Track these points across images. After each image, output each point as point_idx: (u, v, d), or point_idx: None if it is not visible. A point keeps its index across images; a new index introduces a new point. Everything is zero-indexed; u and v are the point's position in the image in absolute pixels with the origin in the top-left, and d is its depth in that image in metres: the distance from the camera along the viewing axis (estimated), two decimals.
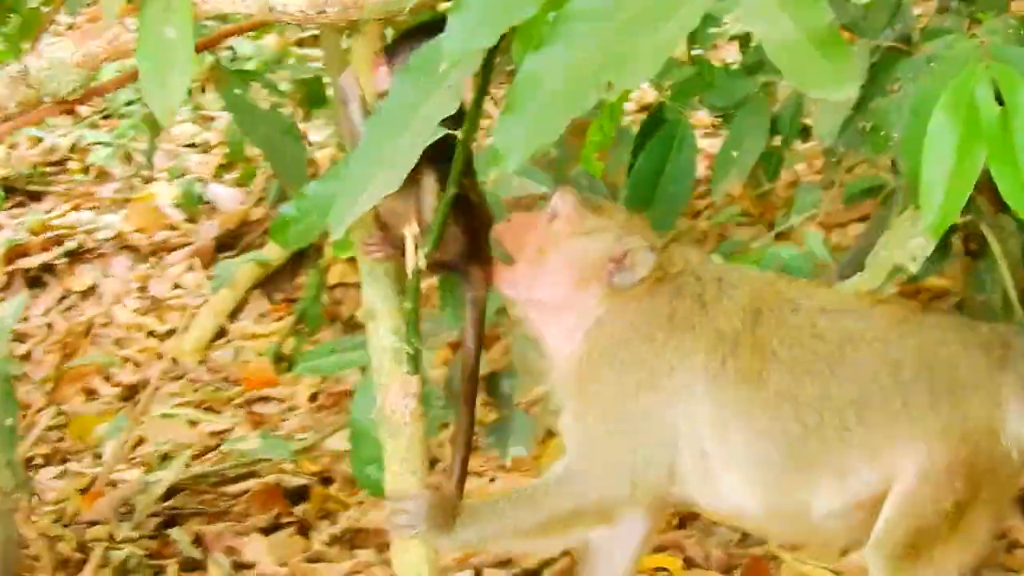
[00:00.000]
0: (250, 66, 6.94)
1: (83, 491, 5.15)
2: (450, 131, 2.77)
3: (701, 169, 5.06)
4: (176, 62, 2.88)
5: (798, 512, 3.22)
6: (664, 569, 4.11)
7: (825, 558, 3.81)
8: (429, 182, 3.04)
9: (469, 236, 3.16)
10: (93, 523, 4.89)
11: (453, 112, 2.68)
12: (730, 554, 4.17)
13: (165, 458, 5.19)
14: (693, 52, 3.79)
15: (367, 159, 2.72)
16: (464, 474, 3.25)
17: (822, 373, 3.14)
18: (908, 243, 3.36)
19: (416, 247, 3.05)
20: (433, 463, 3.36)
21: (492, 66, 2.82)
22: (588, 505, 3.22)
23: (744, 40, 4.81)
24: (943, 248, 3.69)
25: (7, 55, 6.22)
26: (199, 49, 3.08)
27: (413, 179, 2.94)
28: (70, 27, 3.77)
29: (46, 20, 3.48)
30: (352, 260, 5.14)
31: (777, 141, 3.94)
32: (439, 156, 2.91)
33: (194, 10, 2.90)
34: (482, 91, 2.98)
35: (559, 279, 3.23)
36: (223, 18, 3.29)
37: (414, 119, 2.69)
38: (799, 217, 3.55)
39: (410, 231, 3.06)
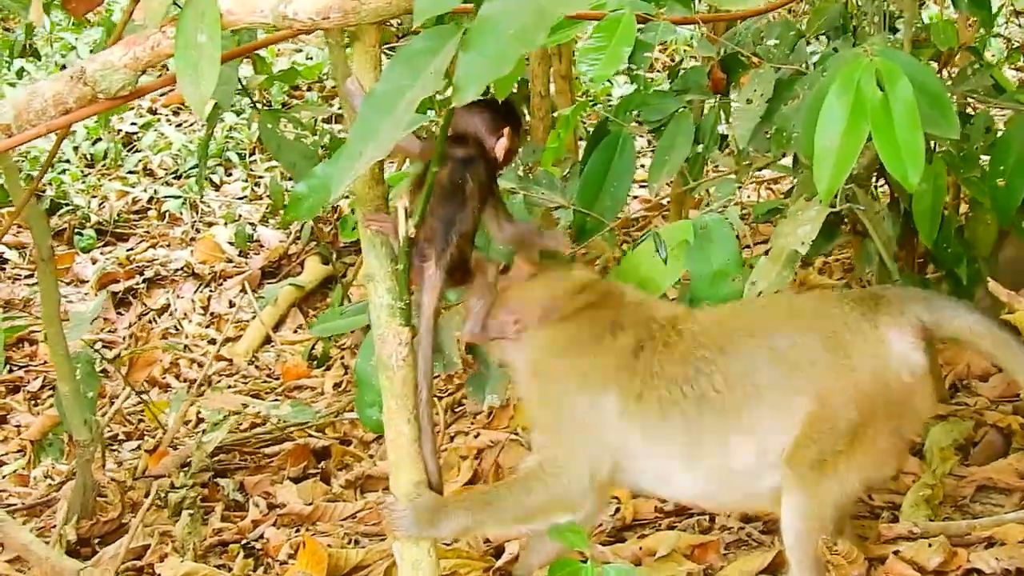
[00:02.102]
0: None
1: (151, 452, 4.94)
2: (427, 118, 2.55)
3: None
4: (206, 62, 2.68)
5: (726, 479, 3.05)
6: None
7: None
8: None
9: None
10: (159, 476, 4.68)
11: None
12: None
13: (216, 425, 4.96)
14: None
15: (361, 134, 2.47)
16: (438, 467, 3.02)
17: (715, 362, 3.00)
18: (798, 230, 3.14)
19: (407, 217, 2.85)
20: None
21: None
22: (554, 497, 3.02)
23: (673, 69, 4.68)
24: (830, 232, 3.54)
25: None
26: (228, 59, 2.87)
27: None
28: None
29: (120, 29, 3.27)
30: None
31: (700, 148, 3.73)
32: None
33: (220, 21, 2.69)
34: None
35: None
36: None
37: (400, 101, 2.44)
38: (718, 204, 3.32)
39: (400, 204, 2.86)
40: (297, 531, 4.14)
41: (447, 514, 2.97)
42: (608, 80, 5.72)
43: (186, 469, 4.55)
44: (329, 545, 3.85)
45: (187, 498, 4.20)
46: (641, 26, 3.50)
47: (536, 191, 3.46)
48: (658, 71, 8.34)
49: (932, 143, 3.50)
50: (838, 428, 2.92)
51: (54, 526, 4.28)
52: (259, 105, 4.87)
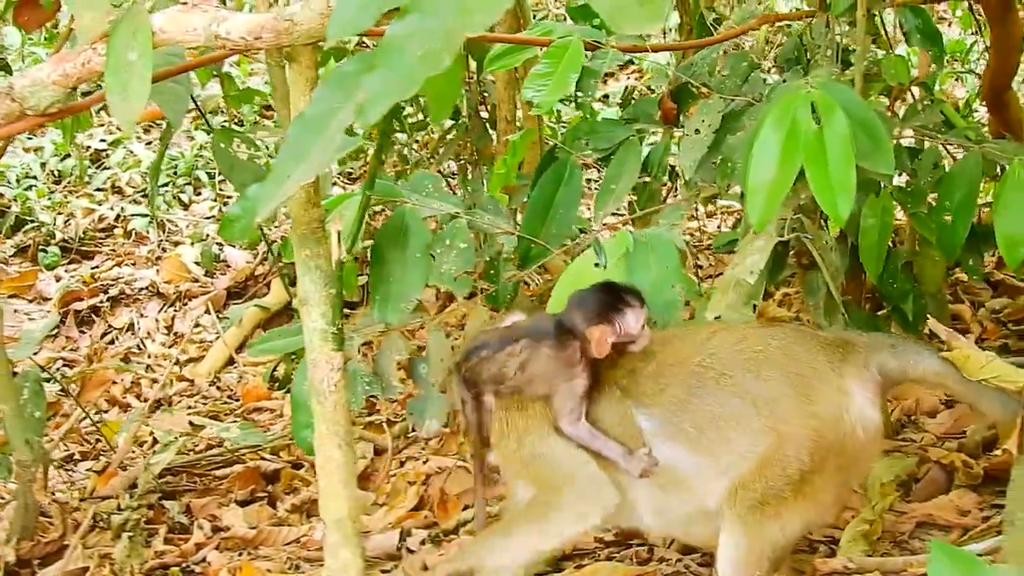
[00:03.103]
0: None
1: (99, 472, 4.87)
2: (360, 138, 2.52)
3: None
4: (137, 80, 2.65)
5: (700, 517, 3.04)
6: None
7: None
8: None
9: None
10: (106, 497, 4.61)
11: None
12: None
13: (165, 446, 4.91)
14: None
15: (289, 156, 2.44)
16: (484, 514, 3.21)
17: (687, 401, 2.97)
18: (747, 260, 3.12)
19: (339, 242, 2.83)
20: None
21: None
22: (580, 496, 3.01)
23: (625, 99, 4.67)
24: (779, 263, 3.52)
25: None
26: (159, 78, 2.85)
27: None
28: None
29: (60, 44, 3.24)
30: None
31: (648, 178, 3.72)
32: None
33: (152, 39, 2.66)
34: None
35: None
36: None
37: (331, 123, 2.41)
38: (668, 222, 3.31)
39: (333, 227, 2.83)
40: (240, 555, 4.09)
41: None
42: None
43: (133, 491, 4.51)
44: (269, 570, 3.81)
45: (130, 520, 4.14)
46: (589, 53, 3.50)
47: (480, 216, 3.43)
48: (634, 99, 8.36)
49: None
50: (787, 473, 2.88)
51: None
52: (228, 124, 4.84)
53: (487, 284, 3.50)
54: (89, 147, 8.59)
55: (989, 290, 5.26)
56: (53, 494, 4.51)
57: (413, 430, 4.87)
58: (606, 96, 8.48)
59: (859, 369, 2.93)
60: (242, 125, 8.07)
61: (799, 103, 2.76)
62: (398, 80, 1.92)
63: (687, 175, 3.48)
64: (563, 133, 3.70)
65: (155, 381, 6.35)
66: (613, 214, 3.56)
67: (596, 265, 3.18)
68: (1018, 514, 2.86)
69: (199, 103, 4.60)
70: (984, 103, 5.23)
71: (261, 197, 2.50)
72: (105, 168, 8.44)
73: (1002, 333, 4.86)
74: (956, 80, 8.23)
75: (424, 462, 4.50)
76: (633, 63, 8.55)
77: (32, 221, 7.80)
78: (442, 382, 3.37)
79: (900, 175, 3.61)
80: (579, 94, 3.49)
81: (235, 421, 5.64)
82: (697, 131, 3.47)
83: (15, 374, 4.18)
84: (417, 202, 3.30)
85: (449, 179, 6.64)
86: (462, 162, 6.12)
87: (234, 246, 7.55)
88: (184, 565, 4.05)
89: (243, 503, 4.58)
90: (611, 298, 2.95)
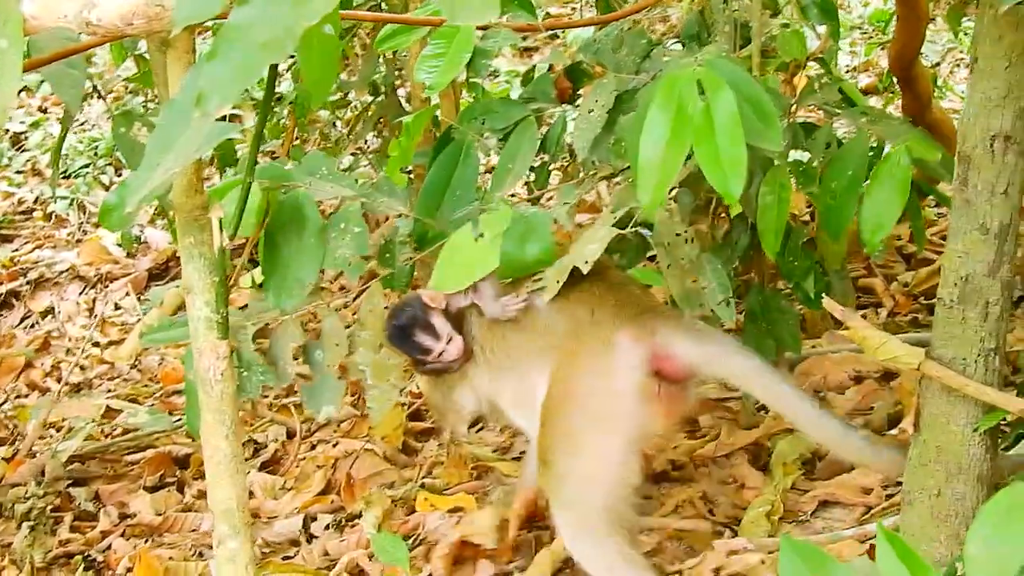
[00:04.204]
0: None
1: (8, 460, 4.81)
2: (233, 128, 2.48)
3: None
4: (8, 68, 2.56)
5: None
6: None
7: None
8: None
9: None
10: (15, 485, 4.55)
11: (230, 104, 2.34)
12: None
13: (72, 432, 4.86)
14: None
15: (158, 144, 2.38)
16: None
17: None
18: (584, 248, 3.09)
19: (221, 228, 2.78)
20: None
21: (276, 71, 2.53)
22: None
23: (526, 77, 4.65)
24: (639, 252, 3.59)
25: None
26: (30, 67, 2.79)
27: None
28: None
29: None
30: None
31: (546, 157, 3.69)
32: None
33: (24, 25, 2.60)
34: (271, 87, 2.72)
35: None
36: None
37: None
38: (560, 209, 3.26)
39: (214, 214, 2.78)
40: (146, 542, 4.05)
41: None
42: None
43: (42, 478, 4.46)
44: (171, 558, 3.77)
45: (34, 508, 4.10)
46: (480, 33, 3.46)
47: (376, 199, 3.39)
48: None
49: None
50: (560, 420, 3.05)
51: None
52: (145, 105, 4.77)
53: (383, 267, 3.45)
54: (8, 130, 8.48)
55: (903, 263, 5.27)
56: None
57: None
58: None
59: (638, 331, 3.04)
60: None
61: (685, 81, 2.72)
62: (237, 69, 1.87)
63: (580, 155, 3.44)
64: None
65: (76, 365, 6.30)
66: (511, 195, 3.50)
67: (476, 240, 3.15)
68: (915, 492, 2.87)
69: (99, 86, 4.52)
70: (893, 76, 5.22)
71: (130, 187, 2.45)
72: (24, 150, 8.33)
73: (913, 307, 4.87)
74: (881, 50, 8.24)
75: (334, 445, 4.47)
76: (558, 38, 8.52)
77: None
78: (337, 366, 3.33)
79: (798, 154, 3.58)
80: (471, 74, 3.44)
81: (153, 404, 5.59)
82: (591, 111, 3.43)
83: None
84: (310, 185, 3.24)
85: (370, 156, 6.61)
86: (385, 138, 6.08)
87: (154, 227, 7.49)
88: (88, 554, 4.00)
89: (152, 489, 4.54)
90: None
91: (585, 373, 3.06)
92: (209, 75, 1.89)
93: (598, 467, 3.06)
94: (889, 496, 3.53)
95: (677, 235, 3.20)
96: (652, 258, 3.71)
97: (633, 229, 3.11)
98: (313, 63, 2.58)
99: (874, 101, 7.22)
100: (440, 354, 3.27)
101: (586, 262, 3.03)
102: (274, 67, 2.60)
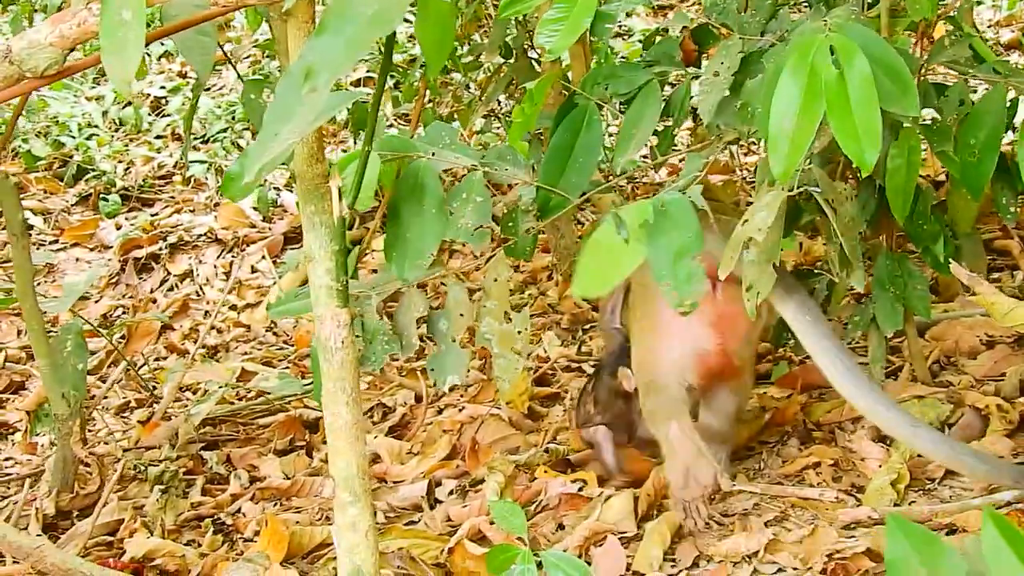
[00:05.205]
0: None
1: (144, 423, 4.90)
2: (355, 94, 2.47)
3: None
4: (131, 40, 2.59)
5: None
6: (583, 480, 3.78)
7: None
8: None
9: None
10: (150, 448, 4.65)
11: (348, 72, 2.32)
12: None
13: (206, 396, 4.93)
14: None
15: (277, 113, 2.38)
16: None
17: None
18: (755, 217, 3.01)
19: (340, 197, 2.78)
20: None
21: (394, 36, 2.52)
22: None
23: (647, 41, 4.56)
24: (795, 214, 3.47)
25: None
26: (154, 38, 2.81)
27: None
28: None
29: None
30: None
31: (669, 122, 3.63)
32: None
33: None
34: (388, 57, 2.71)
35: None
36: None
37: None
38: (683, 180, 3.19)
39: (333, 183, 2.78)
40: (274, 505, 4.10)
41: None
42: None
43: (175, 441, 4.54)
44: (297, 522, 3.81)
45: (167, 471, 4.17)
46: None
47: (498, 167, 3.36)
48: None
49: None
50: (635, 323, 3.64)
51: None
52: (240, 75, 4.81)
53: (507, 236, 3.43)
54: (149, 95, 8.62)
55: None
56: (93, 446, 4.54)
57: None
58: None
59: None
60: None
61: (817, 47, 2.65)
62: (346, 43, 1.86)
63: (706, 119, 3.37)
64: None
65: (213, 327, 6.40)
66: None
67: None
68: None
69: (229, 53, 4.56)
70: None
71: (250, 158, 2.46)
72: (165, 115, 8.47)
73: None
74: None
75: (460, 410, 4.48)
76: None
77: (93, 170, 7.86)
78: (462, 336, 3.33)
79: (927, 114, 3.48)
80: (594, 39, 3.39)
81: (286, 368, 5.66)
82: (717, 73, 3.36)
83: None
84: (433, 155, 3.23)
85: (503, 119, 6.59)
86: (516, 100, 6.05)
87: (290, 191, 7.56)
88: (217, 517, 4.07)
89: (282, 453, 4.59)
90: None
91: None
92: (318, 50, 1.88)
93: (654, 360, 3.47)
94: (1020, 464, 3.43)
95: (840, 193, 3.12)
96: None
97: (800, 190, 3.01)
98: (428, 31, 2.57)
99: (1016, 57, 7.01)
100: None
101: (759, 231, 2.94)
102: (391, 35, 2.58)
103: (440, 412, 4.59)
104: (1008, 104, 3.30)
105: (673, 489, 3.47)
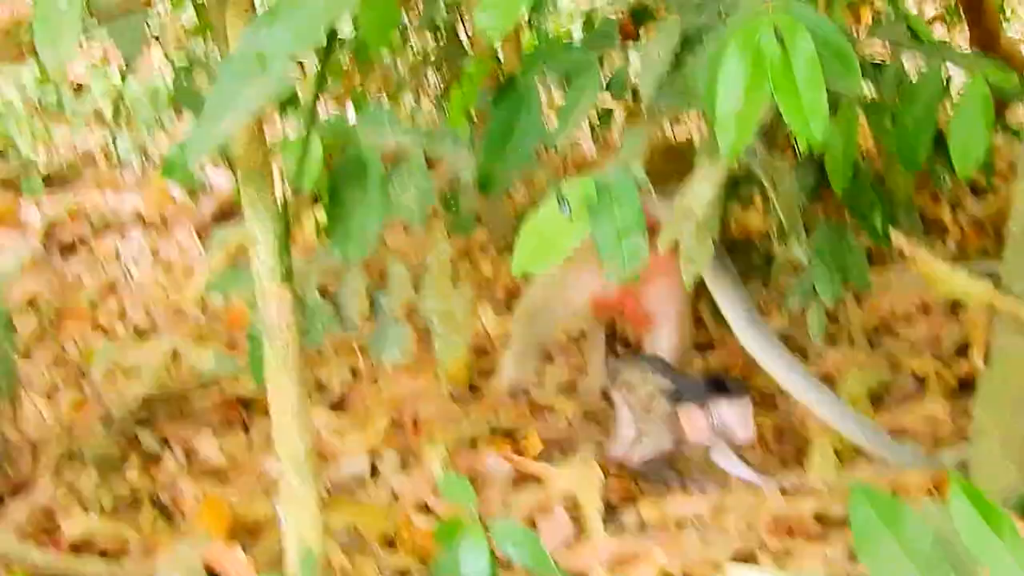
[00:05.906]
0: None
1: (76, 405, 4.88)
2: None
3: None
4: (65, 29, 2.57)
5: None
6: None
7: None
8: None
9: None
10: (83, 430, 4.61)
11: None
12: None
13: (139, 376, 4.91)
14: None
15: (220, 97, 2.38)
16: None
17: None
18: (694, 189, 3.05)
19: (283, 178, 2.80)
20: None
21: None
22: None
23: (588, 20, 4.61)
24: (734, 191, 3.51)
25: None
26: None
27: None
28: None
29: None
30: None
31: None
32: None
33: None
34: (331, 41, 2.71)
35: None
36: None
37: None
38: (627, 155, 3.22)
39: (275, 163, 2.80)
40: (213, 484, 4.09)
41: None
42: None
43: (109, 421, 4.51)
44: (238, 499, 3.82)
45: (101, 452, 4.16)
46: None
47: (438, 148, 3.37)
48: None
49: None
50: None
51: None
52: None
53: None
54: (72, 80, 8.53)
55: (971, 195, 5.22)
56: (23, 429, 4.51)
57: None
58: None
59: None
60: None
61: (762, 27, 2.66)
62: (300, 31, 1.87)
63: (647, 99, 3.40)
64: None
65: (144, 309, 6.35)
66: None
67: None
68: (984, 425, 2.88)
69: (159, 36, 4.54)
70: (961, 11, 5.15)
71: (192, 142, 2.45)
72: (85, 98, 8.38)
73: (983, 239, 4.84)
74: None
75: (399, 384, 4.50)
76: None
77: (13, 152, 7.77)
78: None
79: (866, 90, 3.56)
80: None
81: (219, 347, 5.63)
82: (657, 52, 3.38)
83: None
84: (372, 136, 3.23)
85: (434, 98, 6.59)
86: (448, 80, 6.05)
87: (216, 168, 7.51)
88: (156, 496, 4.06)
89: (218, 431, 4.58)
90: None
91: None
92: (272, 37, 1.88)
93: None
94: (959, 427, 3.51)
95: (777, 169, 3.17)
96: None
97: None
98: (372, 12, 2.58)
99: (939, 30, 7.14)
100: None
101: (698, 203, 2.98)
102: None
103: (377, 385, 4.60)
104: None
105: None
